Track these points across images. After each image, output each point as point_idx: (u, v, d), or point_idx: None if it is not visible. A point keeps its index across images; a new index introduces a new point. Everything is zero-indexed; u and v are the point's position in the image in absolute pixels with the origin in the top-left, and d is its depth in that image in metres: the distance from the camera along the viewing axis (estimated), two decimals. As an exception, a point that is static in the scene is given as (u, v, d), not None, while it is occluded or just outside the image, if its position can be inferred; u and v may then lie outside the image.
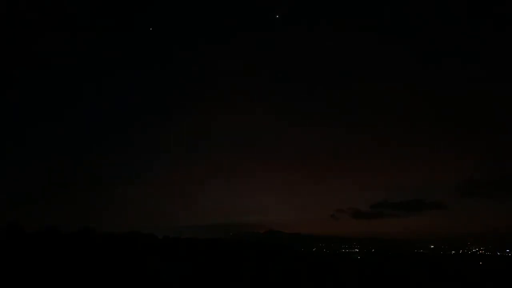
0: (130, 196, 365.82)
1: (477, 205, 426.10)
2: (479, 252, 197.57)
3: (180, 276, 30.39)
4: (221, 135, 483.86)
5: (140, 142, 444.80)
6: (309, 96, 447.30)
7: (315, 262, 67.58)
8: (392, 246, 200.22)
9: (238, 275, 35.14)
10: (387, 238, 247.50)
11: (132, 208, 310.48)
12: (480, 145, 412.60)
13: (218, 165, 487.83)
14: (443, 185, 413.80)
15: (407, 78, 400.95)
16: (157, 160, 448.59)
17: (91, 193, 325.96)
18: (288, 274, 40.98)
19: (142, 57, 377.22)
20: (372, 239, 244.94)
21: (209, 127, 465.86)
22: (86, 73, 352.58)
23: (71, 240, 30.83)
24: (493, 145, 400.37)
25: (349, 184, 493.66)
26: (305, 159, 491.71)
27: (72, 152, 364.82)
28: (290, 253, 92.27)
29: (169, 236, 64.26)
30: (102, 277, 25.49)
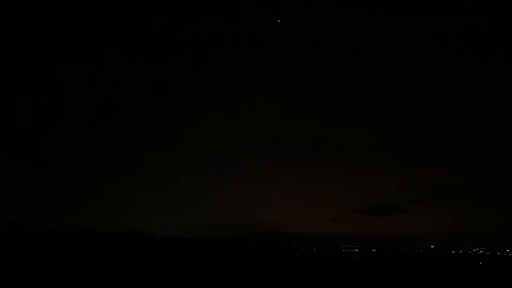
0: (130, 196, 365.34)
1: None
2: (479, 252, 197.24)
3: (179, 276, 30.36)
4: (221, 135, 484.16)
5: (140, 142, 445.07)
6: (308, 98, 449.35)
7: (315, 262, 67.48)
8: (392, 246, 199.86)
9: (238, 275, 35.10)
10: (387, 238, 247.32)
11: (132, 208, 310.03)
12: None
13: (218, 165, 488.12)
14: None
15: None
16: (157, 160, 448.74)
17: (91, 193, 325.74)
18: (288, 274, 40.93)
19: (142, 56, 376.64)
20: (372, 239, 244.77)
21: (209, 127, 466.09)
22: (85, 73, 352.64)
23: (71, 240, 30.78)
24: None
25: (349, 184, 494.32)
26: (305, 160, 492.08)
27: (72, 152, 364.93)
28: (290, 253, 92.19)
29: (168, 236, 64.12)
30: (102, 277, 25.47)
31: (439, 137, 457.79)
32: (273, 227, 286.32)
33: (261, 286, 32.70)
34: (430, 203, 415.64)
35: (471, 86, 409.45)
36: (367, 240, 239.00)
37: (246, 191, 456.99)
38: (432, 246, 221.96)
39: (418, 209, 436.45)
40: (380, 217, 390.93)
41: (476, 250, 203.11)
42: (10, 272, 22.00)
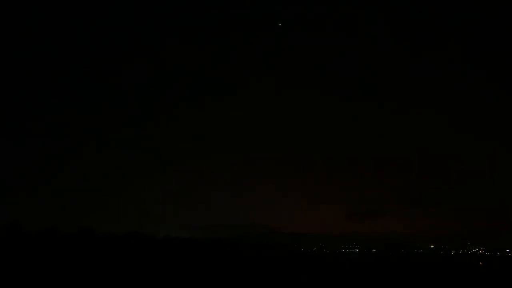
0: (130, 196, 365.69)
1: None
2: (479, 252, 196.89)
3: (179, 276, 30.37)
4: (221, 136, 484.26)
5: (140, 142, 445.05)
6: (307, 100, 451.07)
7: (315, 262, 67.52)
8: (392, 246, 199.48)
9: (238, 275, 35.12)
10: (387, 238, 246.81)
11: (132, 208, 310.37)
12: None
13: (218, 166, 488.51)
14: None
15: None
16: (157, 160, 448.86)
17: (91, 193, 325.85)
18: (288, 274, 40.95)
19: (141, 55, 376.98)
20: (372, 239, 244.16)
21: (210, 128, 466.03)
22: (84, 75, 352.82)
23: (71, 240, 30.81)
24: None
25: (349, 184, 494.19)
26: (305, 161, 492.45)
27: (71, 152, 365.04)
28: (290, 253, 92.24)
29: (169, 236, 64.09)
30: (101, 277, 25.48)
31: (439, 138, 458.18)
32: (273, 227, 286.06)
33: (261, 285, 32.70)
34: (430, 204, 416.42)
35: (456, 98, 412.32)
36: (367, 240, 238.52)
37: (246, 192, 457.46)
38: (432, 246, 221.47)
39: (418, 209, 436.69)
40: (380, 218, 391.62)
41: (476, 250, 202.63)
42: (11, 271, 22.00)
